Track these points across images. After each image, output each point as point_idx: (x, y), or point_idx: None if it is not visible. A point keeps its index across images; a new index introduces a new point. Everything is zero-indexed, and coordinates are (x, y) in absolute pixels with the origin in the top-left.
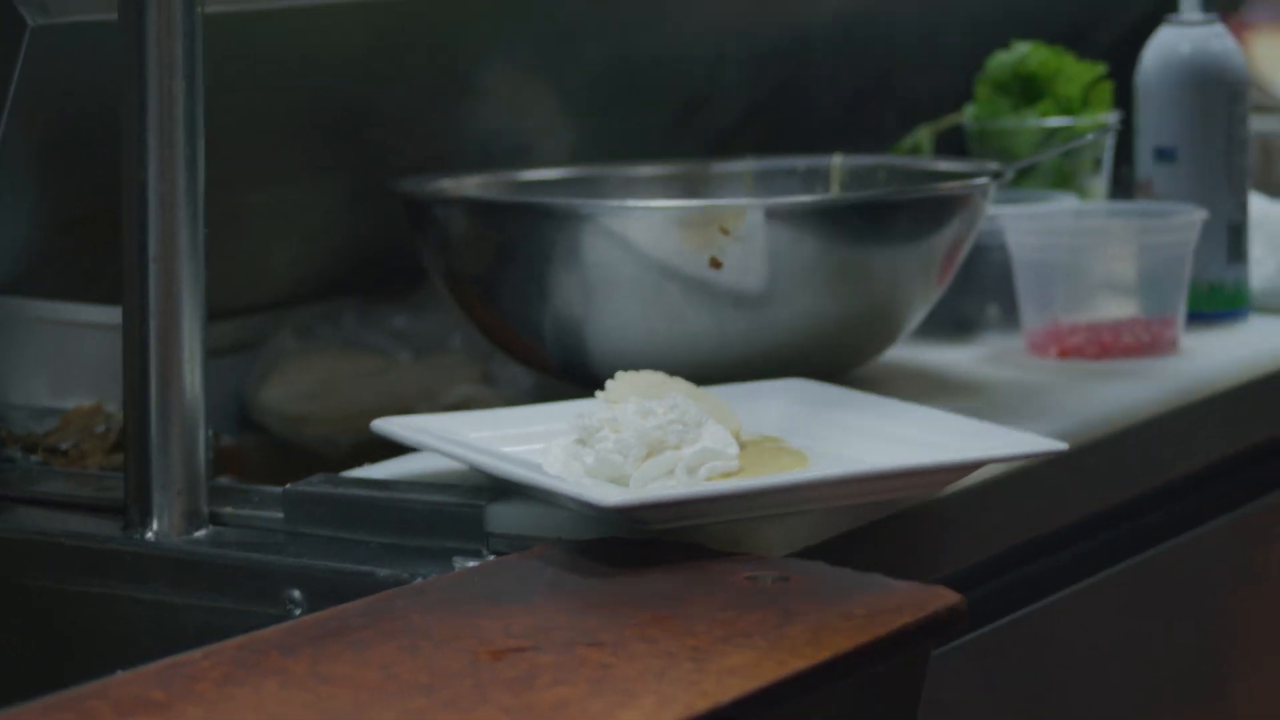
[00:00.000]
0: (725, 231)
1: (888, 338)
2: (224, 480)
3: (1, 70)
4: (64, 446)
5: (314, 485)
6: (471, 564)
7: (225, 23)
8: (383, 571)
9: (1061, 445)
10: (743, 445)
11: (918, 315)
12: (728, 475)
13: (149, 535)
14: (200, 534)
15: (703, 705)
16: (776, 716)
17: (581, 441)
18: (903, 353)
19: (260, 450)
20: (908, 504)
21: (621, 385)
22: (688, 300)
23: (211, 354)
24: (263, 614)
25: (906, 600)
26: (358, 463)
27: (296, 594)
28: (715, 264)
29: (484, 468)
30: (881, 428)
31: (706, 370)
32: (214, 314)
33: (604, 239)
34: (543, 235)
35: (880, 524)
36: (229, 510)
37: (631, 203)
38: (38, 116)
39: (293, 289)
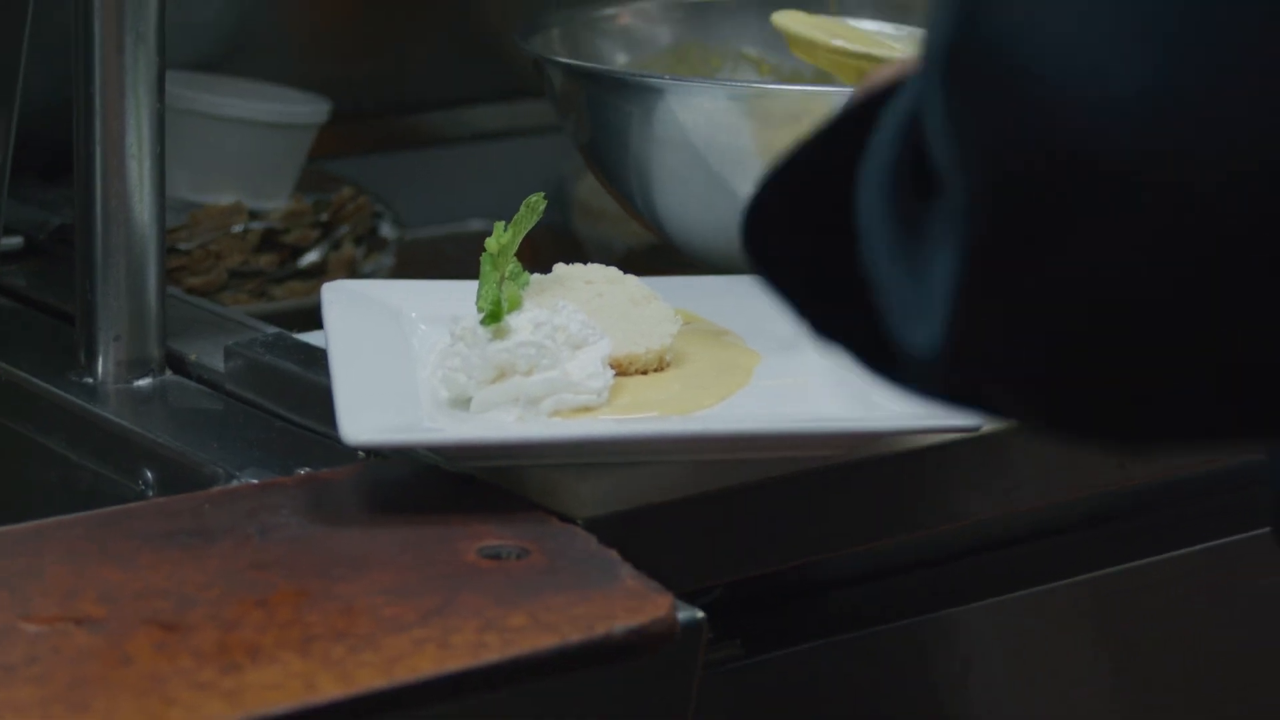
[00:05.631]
0: None
1: None
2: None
3: None
4: (185, 247)
5: (251, 349)
6: (236, 484)
7: None
8: (214, 469)
9: (973, 424)
10: (666, 362)
11: None
12: (582, 411)
13: (88, 380)
14: (143, 383)
15: None
16: None
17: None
18: None
19: (555, 238)
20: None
21: (550, 281)
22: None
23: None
24: (128, 489)
25: (601, 611)
26: (627, 267)
27: (149, 474)
28: None
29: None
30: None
31: None
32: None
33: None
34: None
35: (759, 486)
36: (192, 358)
37: None
38: None
39: None
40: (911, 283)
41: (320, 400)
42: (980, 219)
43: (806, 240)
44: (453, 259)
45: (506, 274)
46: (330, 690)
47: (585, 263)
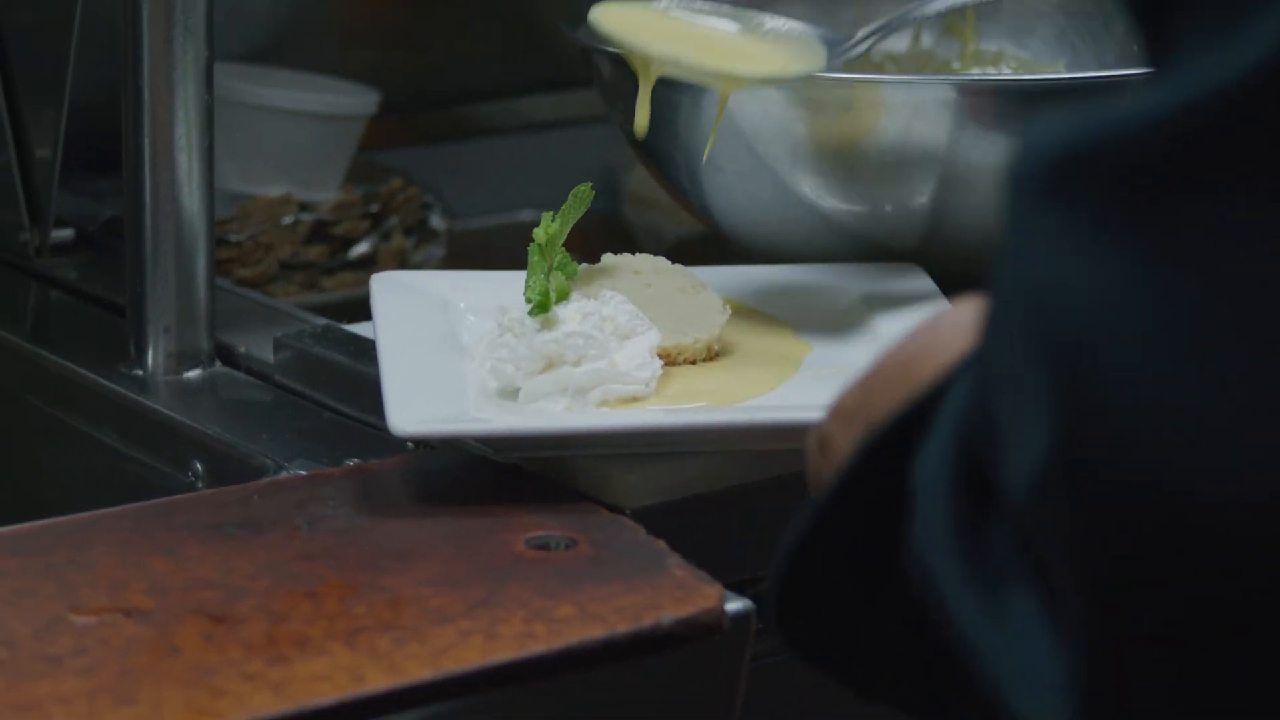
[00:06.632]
0: None
1: None
2: (281, 300)
3: None
4: (236, 239)
5: (300, 340)
6: (284, 476)
7: None
8: (263, 460)
9: None
10: (714, 352)
11: None
12: (630, 401)
13: (138, 372)
14: (192, 374)
15: None
16: None
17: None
18: None
19: (606, 227)
20: None
21: (598, 271)
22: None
23: (583, 122)
24: (177, 480)
25: (649, 601)
26: (677, 256)
27: (199, 466)
28: None
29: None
30: None
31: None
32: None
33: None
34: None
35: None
36: (242, 350)
37: None
38: None
39: None
40: (1002, 636)
41: (369, 391)
42: (1098, 600)
43: (853, 614)
44: (503, 250)
45: (554, 264)
46: (377, 681)
47: (636, 252)
